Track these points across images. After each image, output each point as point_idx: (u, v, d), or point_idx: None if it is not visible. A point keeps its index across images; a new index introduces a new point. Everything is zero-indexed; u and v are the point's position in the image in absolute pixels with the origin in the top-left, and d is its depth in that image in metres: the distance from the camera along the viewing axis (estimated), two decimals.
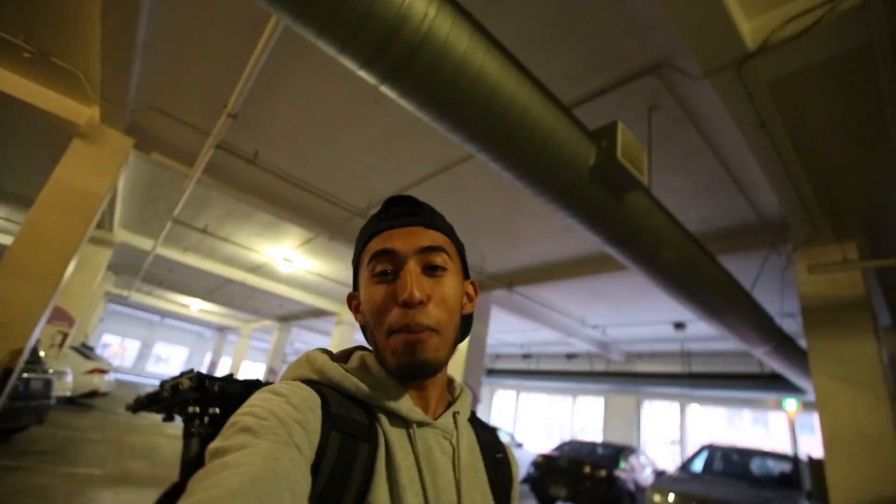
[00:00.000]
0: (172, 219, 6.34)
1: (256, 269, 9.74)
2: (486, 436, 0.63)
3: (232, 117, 3.74)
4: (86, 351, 9.32)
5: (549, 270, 6.64)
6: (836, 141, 3.30)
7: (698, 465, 6.49)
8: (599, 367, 11.48)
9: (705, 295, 3.72)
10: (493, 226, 5.57)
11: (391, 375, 0.55)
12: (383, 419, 0.52)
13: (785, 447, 8.49)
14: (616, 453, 7.46)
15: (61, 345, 7.89)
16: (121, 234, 8.50)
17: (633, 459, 7.47)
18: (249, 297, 12.74)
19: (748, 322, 4.42)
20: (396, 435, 0.52)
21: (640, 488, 6.97)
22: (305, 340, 20.23)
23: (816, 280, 4.10)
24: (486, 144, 2.23)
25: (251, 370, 23.40)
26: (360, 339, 16.22)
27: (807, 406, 7.82)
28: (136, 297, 15.65)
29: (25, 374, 4.84)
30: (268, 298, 12.22)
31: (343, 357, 0.60)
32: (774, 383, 7.23)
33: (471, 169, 4.43)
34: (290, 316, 14.93)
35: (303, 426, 0.45)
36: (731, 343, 6.02)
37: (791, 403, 7.69)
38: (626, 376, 10.13)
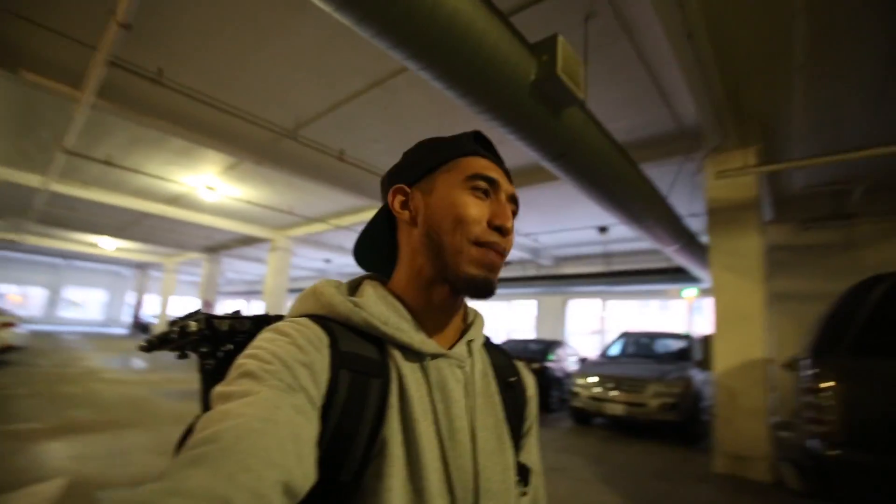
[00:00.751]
0: (63, 150, 5.53)
1: (176, 200, 8.97)
2: (500, 360, 0.65)
3: (124, 27, 3.20)
4: None
5: None
6: (750, 52, 3.52)
7: (616, 350, 7.53)
8: (531, 272, 12.35)
9: (630, 202, 4.07)
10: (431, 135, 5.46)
11: (405, 307, 0.56)
12: (396, 353, 0.52)
13: (683, 328, 9.99)
14: (546, 347, 8.39)
15: None
16: None
17: (560, 351, 8.46)
18: (171, 231, 11.83)
19: (663, 224, 4.93)
20: (409, 368, 0.52)
21: (567, 375, 8.01)
22: (238, 270, 19.53)
23: (721, 184, 4.60)
24: (429, 61, 2.14)
25: (181, 305, 22.43)
26: (297, 262, 15.95)
27: (703, 293, 9.12)
28: (32, 240, 13.92)
29: None
30: (191, 230, 11.44)
31: (352, 288, 0.60)
32: (679, 275, 8.28)
33: (404, 83, 4.23)
34: (219, 246, 14.19)
35: (309, 368, 0.44)
36: (645, 243, 6.70)
37: (690, 292, 8.93)
38: (555, 279, 11.06)
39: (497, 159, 0.60)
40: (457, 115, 4.69)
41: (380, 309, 0.54)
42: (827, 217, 6.43)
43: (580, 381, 6.32)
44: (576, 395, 6.33)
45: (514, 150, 2.99)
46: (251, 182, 7.69)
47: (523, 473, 0.60)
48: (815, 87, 3.81)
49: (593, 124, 3.10)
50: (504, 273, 13.70)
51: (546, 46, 2.42)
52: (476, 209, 0.55)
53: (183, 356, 0.62)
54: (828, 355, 2.45)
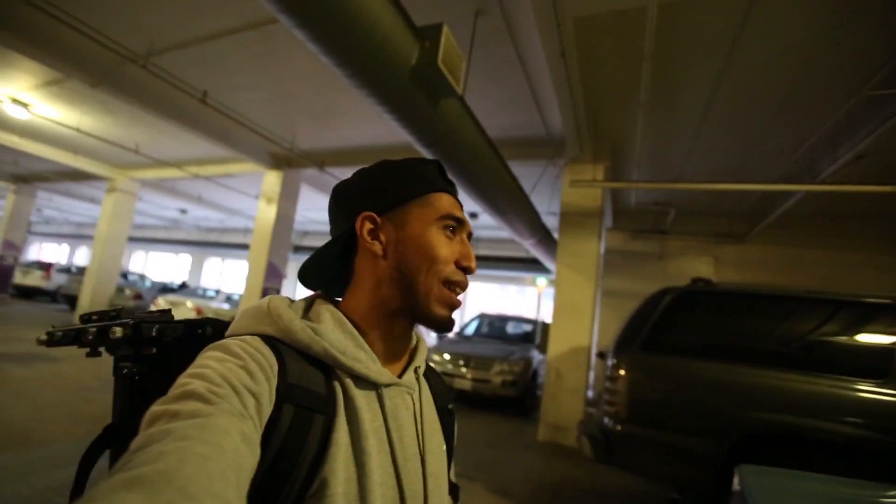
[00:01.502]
0: None
1: None
2: (438, 385, 0.67)
3: None
4: None
5: (362, 154, 6.62)
6: (609, 82, 3.98)
7: (471, 330, 8.12)
8: None
9: (495, 194, 4.36)
10: (308, 100, 5.12)
11: (360, 333, 0.55)
12: (348, 382, 0.50)
13: (533, 314, 11.20)
14: None
15: None
16: None
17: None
18: None
19: (523, 219, 5.40)
20: (363, 398, 0.51)
21: None
22: (62, 207, 16.20)
23: (573, 191, 5.19)
24: (302, 21, 1.99)
25: None
26: (143, 208, 13.78)
27: (552, 284, 10.33)
28: None
29: None
30: None
31: (304, 308, 0.57)
32: (535, 266, 9.22)
33: (284, 33, 3.87)
34: (33, 176, 11.53)
35: (256, 398, 0.42)
36: (506, 232, 7.28)
37: (542, 281, 10.01)
38: None
39: (456, 192, 0.63)
40: (339, 82, 4.46)
41: (337, 337, 0.52)
42: (649, 230, 7.73)
43: (434, 357, 6.70)
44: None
45: (391, 128, 2.97)
46: (83, 106, 6.36)
47: (454, 492, 0.63)
48: (653, 122, 4.48)
49: (469, 118, 3.22)
50: None
51: (431, 33, 2.42)
52: (447, 249, 0.57)
53: (95, 354, 0.51)
54: (624, 349, 2.97)
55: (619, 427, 2.81)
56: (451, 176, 3.31)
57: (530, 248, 7.18)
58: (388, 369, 0.56)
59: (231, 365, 0.43)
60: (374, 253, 0.57)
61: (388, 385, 0.54)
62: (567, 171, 5.28)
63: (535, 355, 6.82)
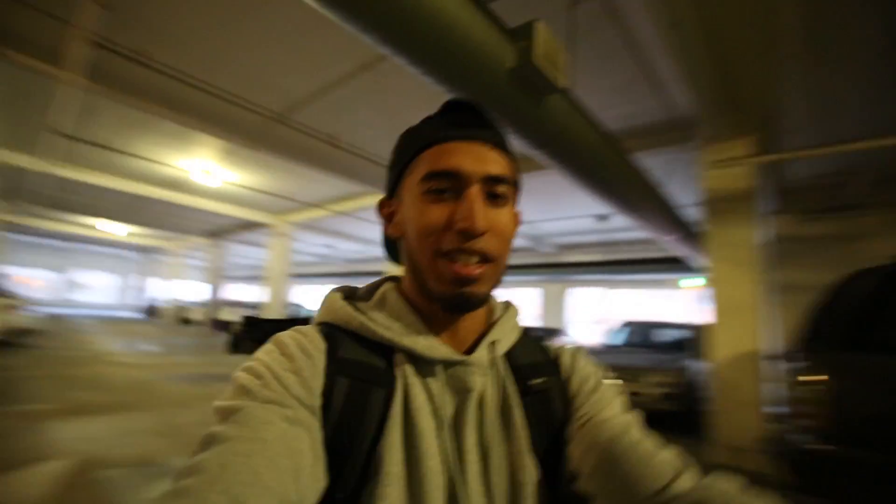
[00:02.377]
0: (53, 131, 5.53)
1: (174, 185, 8.97)
2: (529, 358, 0.56)
3: (101, 6, 3.15)
4: None
5: None
6: (741, 40, 3.38)
7: (618, 339, 7.47)
8: (533, 260, 12.31)
9: (620, 192, 3.99)
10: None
11: (412, 309, 0.51)
12: (405, 362, 0.48)
13: (689, 318, 9.94)
14: (544, 335, 8.39)
15: None
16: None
17: (557, 341, 8.48)
18: (172, 215, 11.88)
19: (658, 214, 4.84)
20: (423, 376, 0.48)
21: None
22: (241, 254, 19.68)
23: (717, 174, 4.49)
24: (399, 47, 2.07)
25: (191, 290, 22.67)
26: (299, 247, 16.01)
27: (703, 282, 9.04)
28: (36, 223, 14.08)
29: None
30: (192, 214, 11.47)
31: (368, 292, 0.55)
32: (678, 266, 8.19)
33: (392, 68, 4.14)
34: (221, 231, 14.26)
35: (297, 374, 0.43)
36: (645, 232, 6.61)
37: (690, 282, 8.84)
38: (555, 267, 11.02)
39: (473, 128, 0.50)
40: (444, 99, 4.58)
41: (384, 314, 0.51)
42: (830, 208, 6.28)
43: None
44: None
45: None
46: (249, 167, 7.66)
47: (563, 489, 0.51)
48: (811, 75, 3.66)
49: (579, 113, 3.01)
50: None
51: (523, 32, 2.33)
52: (435, 216, 0.47)
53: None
54: (818, 349, 2.40)
55: (822, 446, 2.23)
56: (568, 176, 3.06)
57: (672, 244, 6.41)
58: (449, 345, 0.51)
59: (275, 353, 0.44)
60: (397, 236, 0.55)
61: (447, 362, 0.49)
62: (705, 153, 4.60)
63: (694, 364, 5.98)
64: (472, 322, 0.53)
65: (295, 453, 0.37)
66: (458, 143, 0.48)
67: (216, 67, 4.38)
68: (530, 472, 0.48)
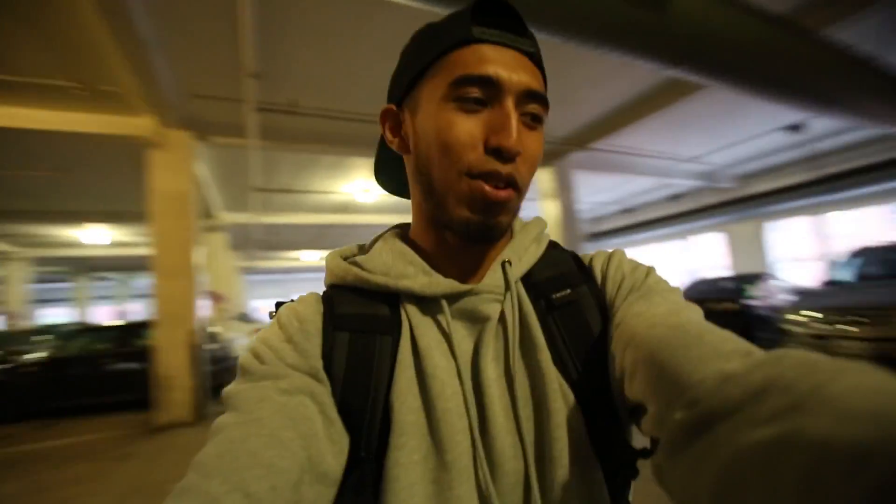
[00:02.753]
0: (257, 189, 6.91)
1: (342, 208, 10.37)
2: (552, 271, 0.49)
3: (255, 77, 3.79)
4: (245, 317, 11.19)
5: (619, 116, 6.03)
6: None
7: (847, 274, 5.89)
8: (710, 199, 10.58)
9: (812, 86, 3.12)
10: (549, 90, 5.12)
11: (413, 247, 0.48)
12: (410, 306, 0.45)
13: None
14: (741, 283, 7.14)
15: (222, 318, 9.56)
16: (225, 217, 9.55)
17: (763, 286, 7.10)
18: (346, 235, 13.76)
19: (880, 99, 3.65)
20: (429, 316, 0.45)
21: (776, 311, 6.70)
22: None
23: None
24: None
25: None
26: None
27: None
28: (261, 263, 17.89)
29: (208, 346, 5.94)
30: (363, 231, 13.10)
31: (370, 244, 0.53)
32: None
33: None
34: None
35: (290, 342, 0.42)
36: (863, 131, 5.06)
37: None
38: (743, 202, 9.25)
39: (512, 34, 0.42)
40: (561, 55, 4.24)
41: (382, 260, 0.47)
42: None
43: (794, 317, 5.19)
44: (789, 334, 5.22)
45: (639, 70, 2.55)
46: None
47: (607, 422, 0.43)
48: None
49: (719, 4, 2.44)
50: (674, 208, 12.03)
51: None
52: (465, 129, 0.40)
53: None
54: None
55: None
56: (730, 87, 2.56)
57: None
58: (459, 279, 0.46)
59: (274, 327, 0.44)
60: (403, 153, 0.48)
61: (452, 295, 0.44)
62: None
63: None
64: (485, 252, 0.47)
65: (300, 421, 0.36)
66: (494, 48, 0.41)
67: (354, 96, 4.89)
68: (557, 400, 0.42)
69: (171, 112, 4.72)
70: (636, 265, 0.48)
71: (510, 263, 0.46)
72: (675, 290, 0.45)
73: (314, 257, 17.89)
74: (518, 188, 0.42)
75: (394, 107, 0.48)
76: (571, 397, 0.42)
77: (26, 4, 3.23)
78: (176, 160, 5.15)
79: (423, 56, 0.44)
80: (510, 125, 0.39)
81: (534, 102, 0.42)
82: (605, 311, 0.46)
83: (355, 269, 0.47)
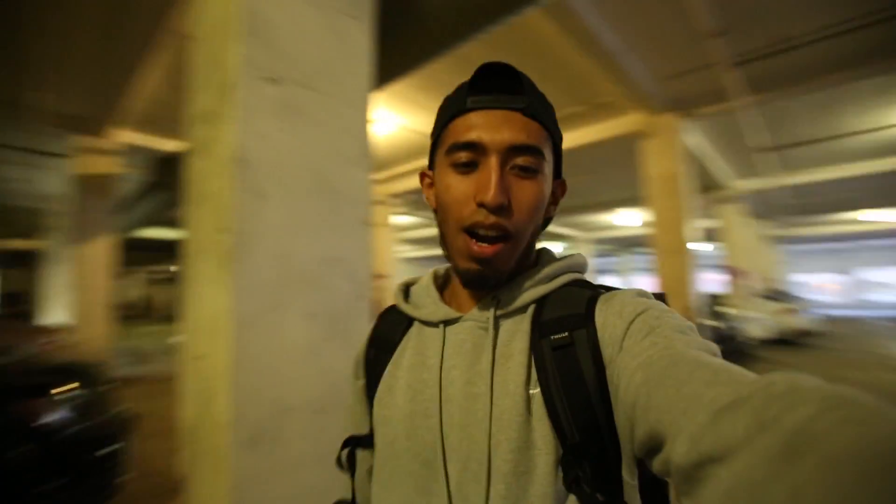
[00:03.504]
0: (765, 149, 6.07)
1: None
2: (560, 311, 0.48)
3: (720, 35, 3.47)
4: (777, 294, 9.92)
5: None
6: None
7: None
8: None
9: None
10: None
11: (434, 284, 0.58)
12: (417, 328, 0.55)
13: None
14: None
15: (743, 294, 8.96)
16: (738, 185, 8.86)
17: None
18: None
19: None
20: (421, 338, 0.54)
21: None
22: None
23: None
24: None
25: None
26: None
27: None
28: (801, 231, 14.97)
29: (710, 323, 5.88)
30: None
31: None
32: None
33: None
34: None
35: (358, 357, 0.61)
36: None
37: None
38: None
39: (500, 95, 0.47)
40: None
41: (416, 290, 0.59)
42: None
43: None
44: None
45: None
46: None
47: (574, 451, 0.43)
48: None
49: None
50: None
51: None
52: (459, 190, 0.47)
53: None
54: None
55: None
56: None
57: None
58: (458, 309, 0.53)
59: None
60: (432, 208, 0.55)
61: (446, 321, 0.52)
62: None
63: None
64: (499, 284, 0.51)
65: (352, 415, 0.60)
66: (481, 113, 0.47)
67: None
68: (516, 421, 0.44)
69: (654, 101, 5.04)
70: (636, 307, 0.44)
71: (499, 299, 0.50)
72: (675, 322, 0.42)
73: (887, 217, 13.14)
74: (510, 236, 0.46)
75: (427, 169, 0.57)
76: (546, 427, 0.44)
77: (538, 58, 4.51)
78: (663, 144, 5.43)
79: (436, 128, 0.53)
80: (489, 182, 0.45)
81: (522, 155, 0.46)
82: (599, 358, 0.44)
83: (399, 298, 0.59)
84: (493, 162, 0.45)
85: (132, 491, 2.15)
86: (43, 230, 10.74)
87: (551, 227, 13.64)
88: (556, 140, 0.52)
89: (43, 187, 8.53)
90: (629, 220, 11.85)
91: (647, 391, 0.34)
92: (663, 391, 0.33)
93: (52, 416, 1.68)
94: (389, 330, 0.58)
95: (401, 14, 1.81)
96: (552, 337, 0.46)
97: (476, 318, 0.51)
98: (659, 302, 0.47)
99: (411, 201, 9.79)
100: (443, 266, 0.61)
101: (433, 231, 16.07)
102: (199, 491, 1.05)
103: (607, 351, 0.43)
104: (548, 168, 0.50)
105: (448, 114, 0.50)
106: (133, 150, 6.36)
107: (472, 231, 0.46)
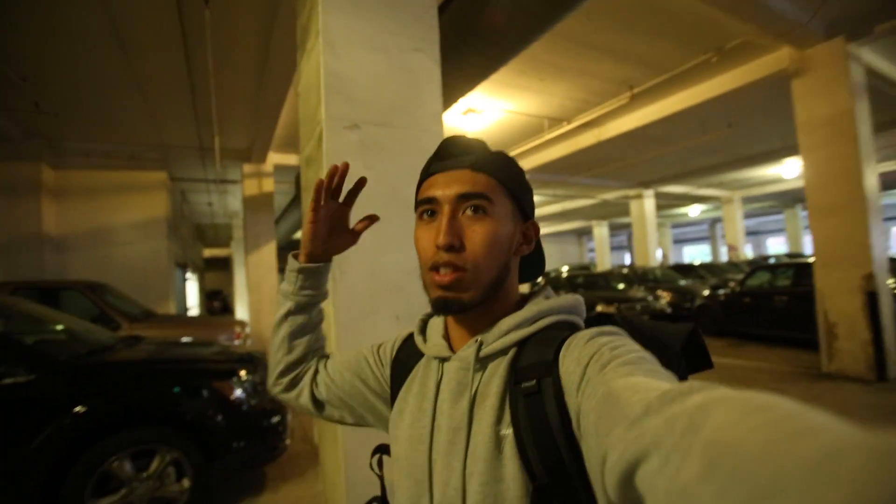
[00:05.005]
0: None
1: None
2: (535, 357, 0.53)
3: None
4: None
5: None
6: None
7: None
8: None
9: None
10: None
11: (443, 320, 0.64)
12: (425, 358, 0.64)
13: None
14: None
15: None
16: None
17: None
18: None
19: None
20: (427, 370, 0.63)
21: None
22: None
23: None
24: None
25: None
26: None
27: None
28: None
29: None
30: None
31: None
32: None
33: None
34: None
35: (376, 355, 0.71)
36: None
37: None
38: None
39: (451, 159, 0.59)
40: None
41: (431, 326, 0.67)
42: None
43: None
44: None
45: None
46: None
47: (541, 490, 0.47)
48: None
49: None
50: None
51: None
52: (425, 237, 0.57)
53: None
54: None
55: None
56: None
57: None
58: (451, 347, 0.61)
59: (386, 341, 0.76)
60: None
61: (440, 358, 0.60)
62: None
63: None
64: (480, 327, 0.58)
65: (352, 364, 0.73)
66: (442, 175, 0.58)
67: None
68: (482, 457, 0.51)
69: (804, 31, 4.20)
70: (591, 349, 0.47)
71: (481, 343, 0.56)
72: (626, 356, 0.43)
73: None
74: (461, 269, 0.53)
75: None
76: (516, 465, 0.49)
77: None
78: (821, 80, 4.51)
79: (417, 189, 0.63)
80: (440, 228, 0.54)
81: (469, 200, 0.55)
82: (564, 406, 0.47)
83: (417, 329, 0.68)
84: (445, 210, 0.55)
85: (289, 453, 2.79)
86: (230, 240, 13.37)
87: (690, 190, 12.23)
88: (513, 187, 0.59)
89: (227, 207, 10.62)
90: (792, 171, 9.97)
91: (595, 427, 0.37)
92: (602, 421, 0.36)
93: (238, 394, 2.31)
94: (408, 356, 0.68)
95: (467, 29, 1.91)
96: (523, 385, 0.52)
97: (461, 360, 0.58)
98: (615, 337, 0.48)
99: (529, 181, 9.72)
100: None
101: (554, 207, 15.64)
102: (325, 457, 1.37)
103: (571, 400, 0.46)
104: (501, 210, 0.56)
105: (420, 179, 0.62)
106: (281, 170, 7.56)
107: (434, 269, 0.55)
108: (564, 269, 16.10)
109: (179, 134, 6.29)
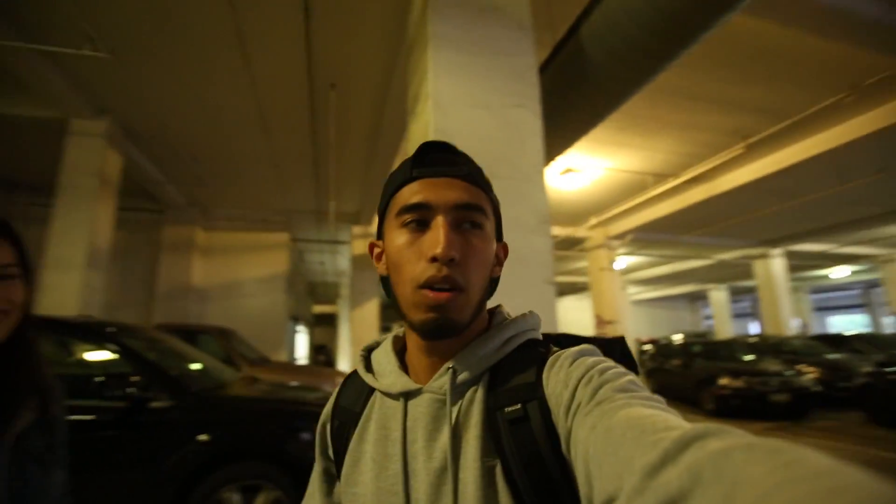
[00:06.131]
0: None
1: None
2: (516, 380, 0.49)
3: None
4: None
5: None
6: None
7: None
8: None
9: None
10: None
11: (394, 350, 0.57)
12: (378, 398, 0.55)
13: None
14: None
15: None
16: None
17: None
18: None
19: None
20: (384, 410, 0.54)
21: None
22: None
23: None
24: None
25: None
26: None
27: None
28: None
29: None
30: None
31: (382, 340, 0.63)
32: None
33: None
34: None
35: (322, 430, 0.60)
36: None
37: None
38: None
39: (441, 166, 0.52)
40: None
41: (377, 357, 0.59)
42: None
43: None
44: None
45: None
46: None
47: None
48: None
49: None
50: None
51: None
52: (410, 248, 0.49)
53: None
54: None
55: None
56: None
57: None
58: (424, 378, 0.53)
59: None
60: (383, 274, 0.56)
61: (406, 393, 0.52)
62: None
63: None
64: (454, 349, 0.52)
65: (313, 483, 0.61)
66: (427, 181, 0.51)
67: None
68: (474, 490, 0.45)
69: None
70: (579, 371, 0.44)
71: (455, 370, 0.50)
72: (616, 381, 0.41)
73: None
74: (460, 288, 0.47)
75: (375, 240, 0.59)
76: (508, 499, 0.44)
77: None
78: None
79: (384, 197, 0.56)
80: (440, 236, 0.47)
81: (467, 212, 0.50)
82: (554, 432, 0.44)
83: (360, 366, 0.60)
84: (440, 220, 0.48)
85: None
86: (337, 298, 14.36)
87: (831, 248, 10.52)
88: (496, 205, 0.56)
89: (336, 266, 11.58)
90: None
91: (596, 462, 0.34)
92: (605, 459, 0.33)
93: None
94: (352, 399, 0.59)
95: (567, 85, 1.96)
96: (506, 410, 0.47)
97: (433, 391, 0.51)
98: (599, 358, 0.46)
99: (633, 241, 9.19)
100: (402, 329, 0.60)
101: (662, 269, 14.49)
102: None
103: (559, 422, 0.43)
104: (490, 227, 0.53)
105: (394, 185, 0.53)
106: None
107: (427, 286, 0.47)
108: (677, 336, 14.38)
109: (301, 199, 7.14)
